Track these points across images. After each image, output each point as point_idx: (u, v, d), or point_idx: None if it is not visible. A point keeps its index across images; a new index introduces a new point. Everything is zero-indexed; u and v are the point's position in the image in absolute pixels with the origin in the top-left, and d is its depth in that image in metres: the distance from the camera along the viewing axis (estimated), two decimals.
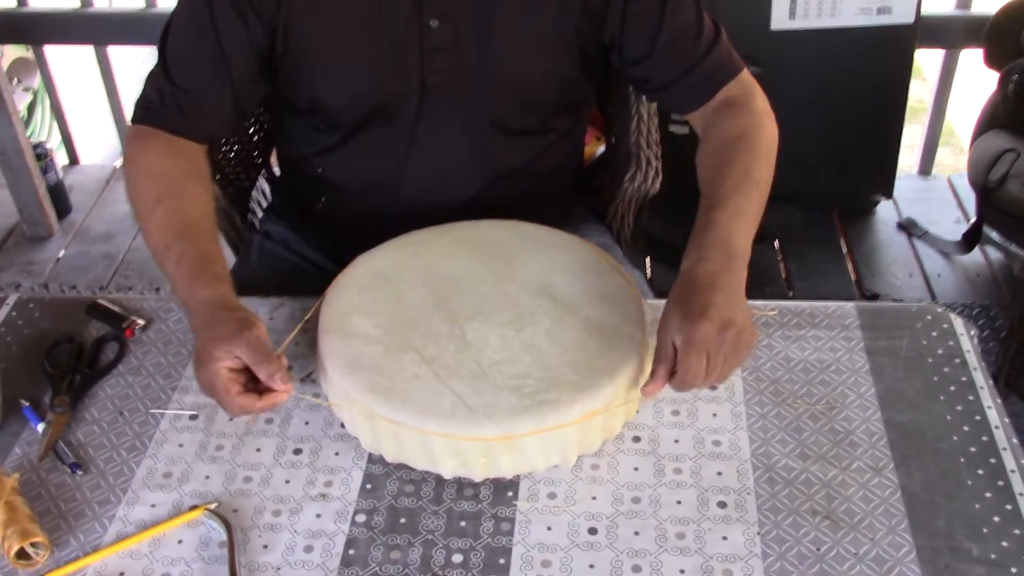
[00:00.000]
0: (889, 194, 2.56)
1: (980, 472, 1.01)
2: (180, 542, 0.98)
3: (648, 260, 2.46)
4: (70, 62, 2.94)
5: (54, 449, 1.07)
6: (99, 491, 1.03)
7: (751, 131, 1.19)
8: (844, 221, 2.56)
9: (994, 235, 2.32)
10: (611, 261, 1.16)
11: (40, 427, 1.09)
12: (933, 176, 2.76)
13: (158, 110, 1.21)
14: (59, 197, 2.64)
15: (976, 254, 2.40)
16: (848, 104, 2.42)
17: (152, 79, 1.22)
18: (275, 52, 1.22)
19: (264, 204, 1.59)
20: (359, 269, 1.16)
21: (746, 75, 1.25)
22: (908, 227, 2.52)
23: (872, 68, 2.36)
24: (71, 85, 2.92)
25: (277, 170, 1.57)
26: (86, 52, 2.77)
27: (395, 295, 1.12)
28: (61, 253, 2.51)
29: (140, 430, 1.10)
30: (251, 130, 1.58)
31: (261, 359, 0.99)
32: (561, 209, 1.46)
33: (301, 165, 1.37)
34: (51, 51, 2.76)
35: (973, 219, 2.40)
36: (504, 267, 1.15)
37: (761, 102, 1.23)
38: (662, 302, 1.20)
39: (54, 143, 2.92)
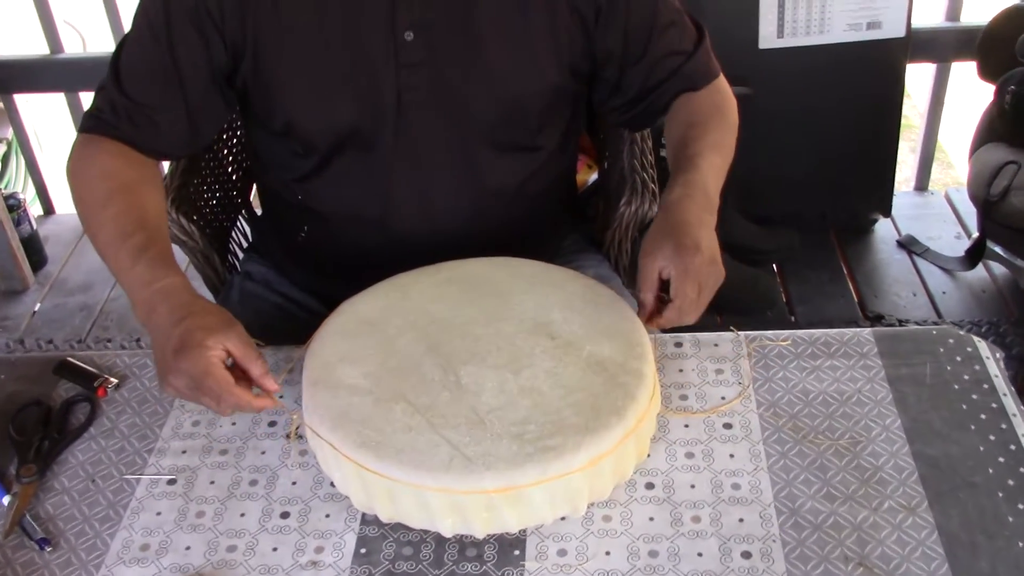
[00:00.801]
0: (887, 212, 2.50)
1: (1022, 507, 0.93)
2: None
3: None
4: (42, 110, 2.87)
5: (20, 524, 0.99)
6: (70, 568, 0.95)
7: (724, 107, 1.24)
8: (842, 241, 2.50)
9: (998, 249, 2.26)
10: (610, 293, 1.09)
11: (5, 500, 1.01)
12: (930, 192, 2.70)
13: (109, 120, 1.15)
14: (34, 249, 2.55)
15: (980, 270, 2.34)
16: (841, 121, 2.36)
17: (103, 92, 1.16)
18: (242, 72, 1.16)
19: (245, 245, 1.51)
20: (344, 315, 1.09)
21: (723, 81, 1.28)
22: (908, 245, 2.46)
23: (864, 84, 2.31)
24: (44, 134, 2.85)
25: (259, 209, 1.50)
26: (58, 100, 2.70)
27: (383, 342, 1.04)
28: (37, 306, 2.43)
29: (114, 498, 1.01)
30: (230, 169, 1.52)
31: (253, 355, 0.94)
32: (555, 235, 1.39)
33: (281, 194, 1.30)
34: (21, 100, 2.68)
35: (975, 234, 2.34)
36: (498, 306, 1.08)
37: (728, 92, 1.28)
38: (664, 336, 1.14)
39: (29, 195, 2.84)
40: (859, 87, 2.31)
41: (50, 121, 2.91)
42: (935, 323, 2.21)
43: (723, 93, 1.26)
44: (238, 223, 1.52)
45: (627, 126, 1.34)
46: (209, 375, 0.93)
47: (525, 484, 0.90)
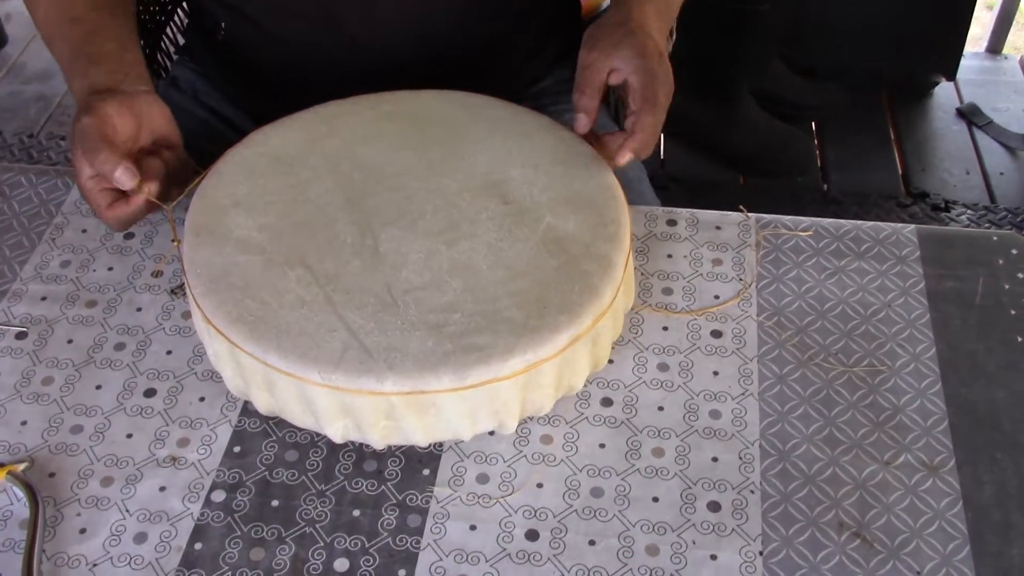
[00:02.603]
0: (951, 75, 2.19)
1: None
2: None
3: (661, 137, 2.13)
4: None
5: None
6: None
7: None
8: (895, 105, 2.20)
9: None
10: (589, 152, 0.85)
11: None
12: (1003, 56, 2.37)
13: None
14: None
15: None
16: None
17: None
18: None
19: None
20: (251, 148, 0.86)
21: None
22: (969, 115, 2.17)
23: None
24: None
25: None
26: None
27: (292, 187, 0.82)
28: None
29: None
30: None
31: (93, 149, 0.77)
32: (543, 65, 1.14)
33: None
34: None
35: None
36: (444, 154, 0.85)
37: None
38: (655, 209, 0.92)
39: None
40: None
41: None
42: (987, 208, 1.95)
43: None
44: (174, 19, 1.27)
45: None
46: (86, 198, 0.80)
47: (436, 390, 0.69)
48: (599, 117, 0.87)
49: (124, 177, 0.77)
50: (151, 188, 0.79)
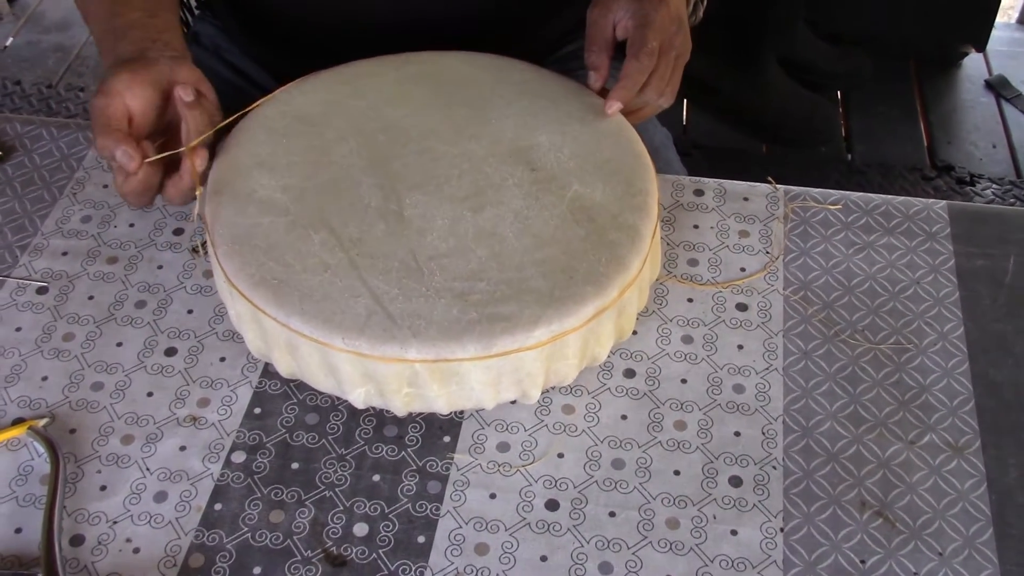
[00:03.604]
0: (982, 46, 2.15)
1: None
2: None
3: (684, 103, 2.11)
4: None
5: None
6: None
7: None
8: (922, 75, 2.17)
9: None
10: (620, 120, 0.84)
11: None
12: None
13: None
14: None
15: None
16: None
17: None
18: None
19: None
20: (274, 107, 0.85)
21: None
22: (998, 87, 2.13)
23: None
24: None
25: None
26: None
27: (316, 148, 0.81)
28: (9, 41, 2.17)
29: None
30: None
31: (98, 130, 0.74)
32: (577, 25, 1.12)
33: None
34: None
35: None
36: (471, 118, 0.83)
37: None
38: (683, 179, 0.91)
39: None
40: None
41: None
42: (1013, 183, 1.93)
43: None
44: None
45: None
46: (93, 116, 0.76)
47: (460, 358, 0.69)
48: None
49: (124, 159, 0.73)
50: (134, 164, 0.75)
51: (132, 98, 0.75)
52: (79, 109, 1.92)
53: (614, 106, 0.82)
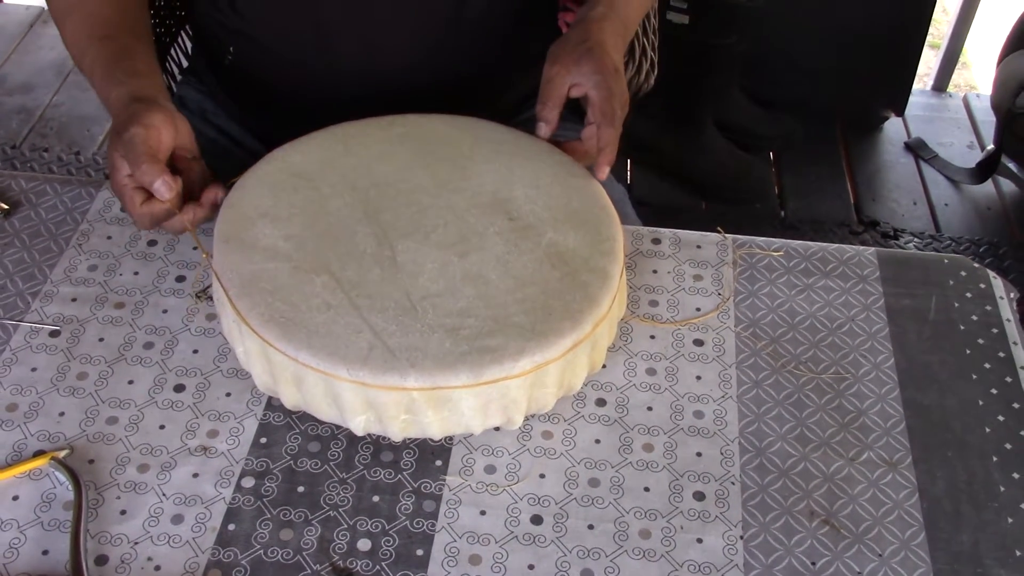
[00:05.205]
0: (900, 110, 2.32)
1: (1016, 476, 0.82)
2: (15, 498, 0.77)
3: (628, 163, 2.23)
4: None
5: None
6: None
7: None
8: (847, 137, 2.33)
9: (1012, 166, 2.10)
10: (586, 174, 0.93)
11: None
12: (948, 94, 2.52)
13: None
14: None
15: (988, 185, 2.19)
16: (865, 6, 2.16)
17: None
18: None
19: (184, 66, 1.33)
20: (273, 164, 0.93)
21: None
22: (917, 148, 2.30)
23: None
24: None
25: None
26: None
27: (314, 200, 0.89)
28: None
29: None
30: None
31: (137, 160, 0.83)
32: (532, 92, 1.22)
33: (203, 3, 1.12)
34: None
35: (990, 146, 2.18)
36: (453, 173, 0.92)
37: None
38: (641, 228, 1.00)
39: None
40: None
41: None
42: (932, 237, 2.08)
43: None
44: (179, 41, 1.33)
45: None
46: (120, 196, 0.87)
47: (453, 386, 0.77)
48: (572, 125, 0.96)
49: (163, 188, 0.83)
50: (197, 214, 0.87)
51: (164, 135, 0.85)
52: (44, 168, 1.97)
53: (606, 171, 0.92)
